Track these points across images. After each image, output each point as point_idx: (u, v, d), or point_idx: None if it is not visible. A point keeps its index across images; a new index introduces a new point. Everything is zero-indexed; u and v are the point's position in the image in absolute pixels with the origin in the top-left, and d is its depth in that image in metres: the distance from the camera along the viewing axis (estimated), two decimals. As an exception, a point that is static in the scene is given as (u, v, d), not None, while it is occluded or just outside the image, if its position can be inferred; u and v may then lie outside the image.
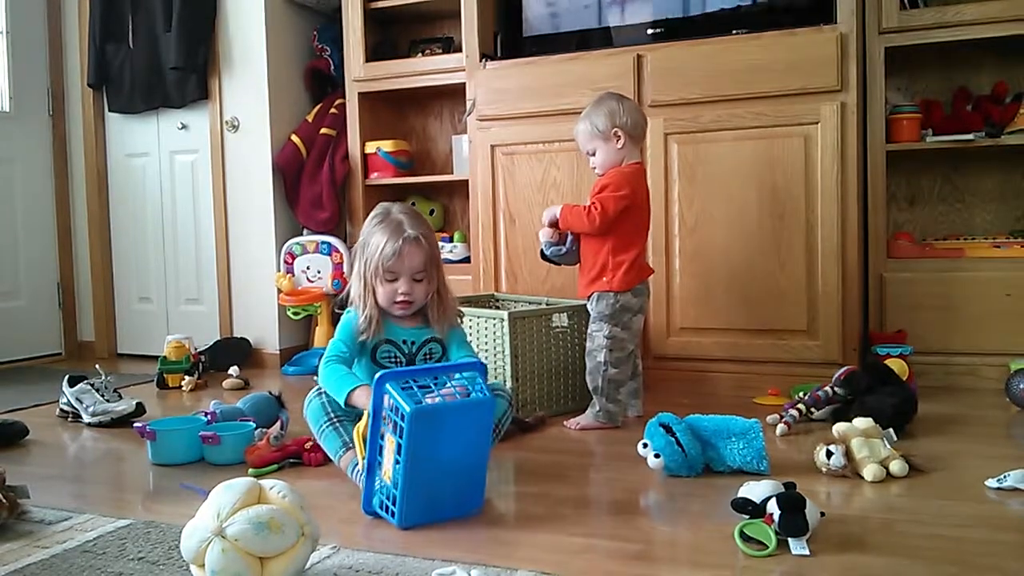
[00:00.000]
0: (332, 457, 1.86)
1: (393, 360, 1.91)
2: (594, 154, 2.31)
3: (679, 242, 2.77)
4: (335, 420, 1.85)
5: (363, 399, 1.72)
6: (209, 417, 2.19)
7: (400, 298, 1.86)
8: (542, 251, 2.42)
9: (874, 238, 2.77)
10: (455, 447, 1.56)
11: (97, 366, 2.71)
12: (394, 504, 1.53)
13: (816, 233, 2.62)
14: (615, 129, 2.26)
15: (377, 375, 1.55)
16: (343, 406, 1.81)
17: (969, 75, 2.92)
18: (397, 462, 1.51)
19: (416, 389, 1.54)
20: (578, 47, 2.94)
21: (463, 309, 2.31)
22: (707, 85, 2.71)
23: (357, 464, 1.75)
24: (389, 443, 1.53)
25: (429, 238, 1.89)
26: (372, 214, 1.92)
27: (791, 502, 1.40)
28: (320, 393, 1.88)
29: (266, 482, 1.31)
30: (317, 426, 1.87)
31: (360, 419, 1.67)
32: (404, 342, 1.91)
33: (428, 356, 1.93)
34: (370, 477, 1.59)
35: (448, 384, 1.60)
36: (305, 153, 3.48)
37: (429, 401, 1.53)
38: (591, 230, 2.27)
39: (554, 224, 2.35)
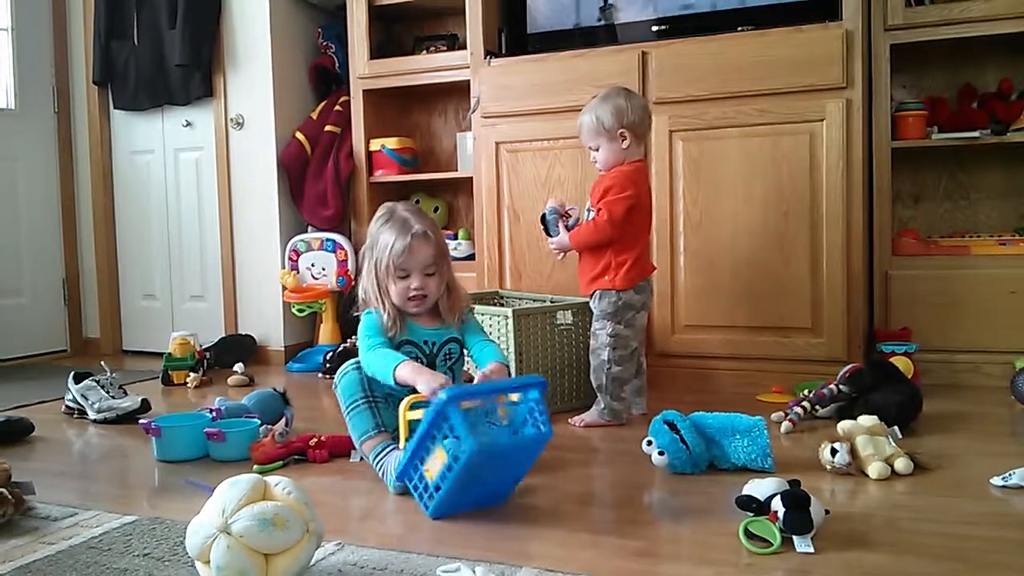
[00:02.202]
0: (355, 437, 1.83)
1: (414, 360, 1.90)
2: (597, 149, 2.30)
3: (683, 239, 2.77)
4: (371, 399, 1.81)
5: (409, 374, 1.71)
6: (214, 414, 2.19)
7: (413, 293, 1.86)
8: (543, 215, 2.38)
9: (879, 235, 2.76)
10: (504, 471, 1.63)
11: (102, 363, 2.73)
12: (430, 498, 1.57)
13: (821, 230, 2.61)
14: (621, 130, 2.24)
15: (447, 393, 1.54)
16: (395, 386, 1.75)
17: (975, 72, 2.91)
18: (444, 476, 1.53)
19: (490, 417, 1.60)
20: (583, 44, 2.94)
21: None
22: (712, 82, 2.70)
23: (381, 452, 1.76)
24: (440, 453, 1.54)
25: (436, 232, 1.89)
26: (377, 215, 1.92)
27: (795, 499, 1.40)
28: (359, 367, 1.83)
29: (271, 479, 1.31)
30: (349, 401, 1.82)
31: (403, 401, 1.68)
32: (425, 343, 1.90)
33: (448, 356, 1.93)
34: (413, 457, 1.60)
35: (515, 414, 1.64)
36: (310, 150, 3.48)
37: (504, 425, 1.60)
38: (605, 237, 2.25)
39: (562, 249, 2.35)
